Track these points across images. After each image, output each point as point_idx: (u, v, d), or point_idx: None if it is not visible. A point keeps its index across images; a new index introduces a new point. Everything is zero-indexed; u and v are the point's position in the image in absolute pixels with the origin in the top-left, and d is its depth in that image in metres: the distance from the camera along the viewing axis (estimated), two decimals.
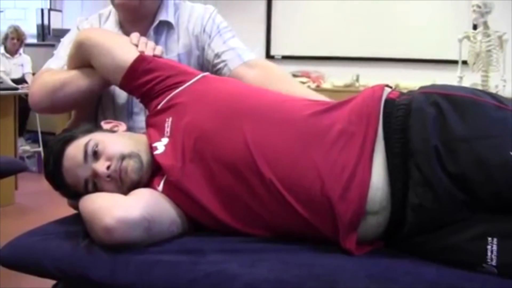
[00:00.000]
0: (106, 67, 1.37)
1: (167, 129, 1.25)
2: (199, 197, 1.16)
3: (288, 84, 1.51)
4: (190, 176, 1.17)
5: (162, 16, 1.57)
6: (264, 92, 1.31)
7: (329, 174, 1.08)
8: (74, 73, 1.42)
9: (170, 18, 1.58)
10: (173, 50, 1.57)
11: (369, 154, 1.08)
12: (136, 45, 1.38)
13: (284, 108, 1.21)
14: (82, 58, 1.41)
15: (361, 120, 1.12)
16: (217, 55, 1.55)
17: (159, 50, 1.40)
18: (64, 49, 1.52)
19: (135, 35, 1.41)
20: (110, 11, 1.63)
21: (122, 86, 1.38)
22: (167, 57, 1.46)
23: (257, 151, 1.13)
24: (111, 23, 1.59)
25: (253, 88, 1.34)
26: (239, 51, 1.56)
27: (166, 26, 1.58)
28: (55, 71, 1.48)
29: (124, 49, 1.36)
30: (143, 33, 1.47)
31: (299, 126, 1.15)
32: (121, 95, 1.53)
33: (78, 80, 1.40)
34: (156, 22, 1.56)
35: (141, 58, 1.34)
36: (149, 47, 1.38)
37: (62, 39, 1.61)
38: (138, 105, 1.50)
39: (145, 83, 1.32)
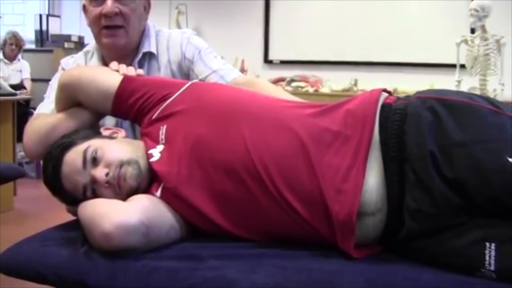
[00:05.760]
0: (95, 99, 1.37)
1: (162, 136, 1.25)
2: (196, 203, 1.16)
3: (279, 95, 1.52)
4: (187, 182, 1.17)
5: (145, 48, 1.61)
6: (258, 96, 1.32)
7: (324, 176, 1.09)
8: (62, 115, 1.41)
9: (153, 48, 1.62)
10: None
11: (363, 158, 1.09)
12: (117, 71, 1.39)
13: (281, 110, 1.22)
14: (69, 99, 1.41)
15: (357, 123, 1.13)
16: (202, 81, 1.57)
17: (140, 71, 1.43)
18: (53, 91, 1.51)
19: (114, 63, 1.43)
20: (94, 47, 1.66)
21: (114, 111, 1.38)
22: None
23: (255, 153, 1.13)
24: (95, 60, 1.63)
25: (247, 92, 1.35)
26: (221, 72, 1.59)
27: (148, 56, 1.62)
28: (45, 116, 1.48)
29: (107, 76, 1.38)
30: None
31: (296, 127, 1.15)
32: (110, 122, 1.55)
33: (67, 121, 1.39)
34: (140, 55, 1.60)
35: (127, 79, 1.35)
36: (130, 70, 1.40)
37: (50, 82, 1.62)
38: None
39: (136, 101, 1.32)
